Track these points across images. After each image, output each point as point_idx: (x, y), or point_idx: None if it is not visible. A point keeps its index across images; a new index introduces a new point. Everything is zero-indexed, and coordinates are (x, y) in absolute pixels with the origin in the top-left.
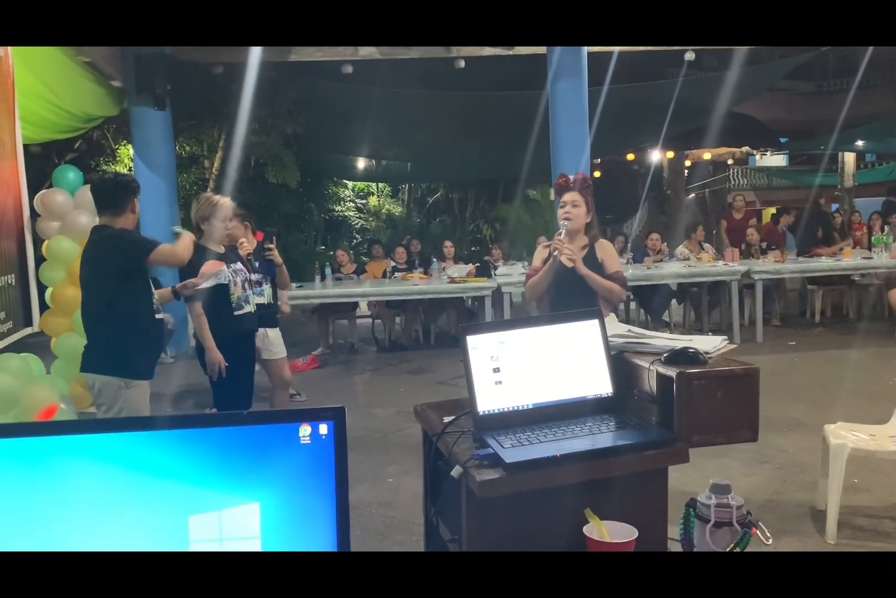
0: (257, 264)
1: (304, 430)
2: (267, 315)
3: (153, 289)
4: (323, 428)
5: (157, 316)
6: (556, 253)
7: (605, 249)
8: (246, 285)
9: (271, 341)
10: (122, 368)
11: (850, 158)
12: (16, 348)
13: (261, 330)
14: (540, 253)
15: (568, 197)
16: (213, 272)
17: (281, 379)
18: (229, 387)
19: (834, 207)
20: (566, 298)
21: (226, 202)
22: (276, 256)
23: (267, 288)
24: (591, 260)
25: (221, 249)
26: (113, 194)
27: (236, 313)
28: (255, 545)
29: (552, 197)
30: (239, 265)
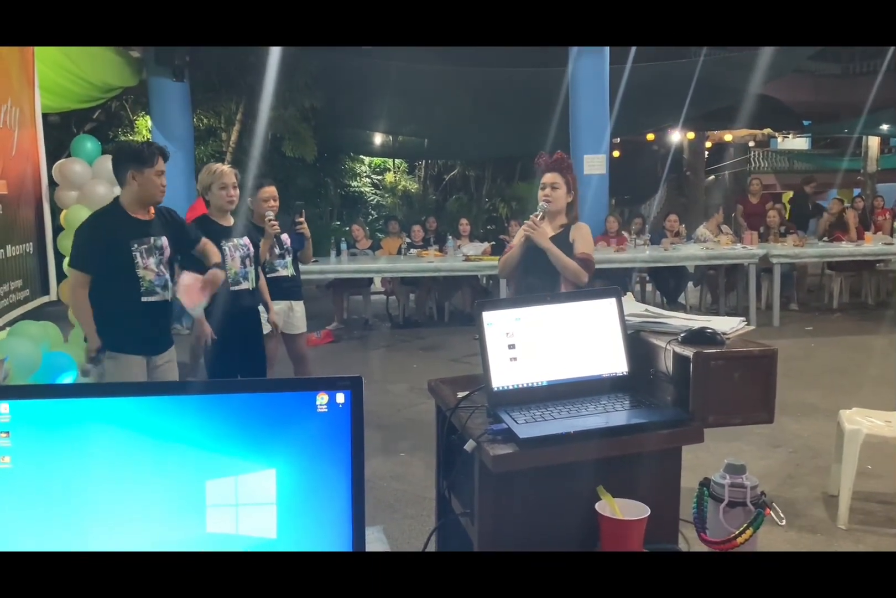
0: (287, 237)
1: (322, 398)
2: (294, 287)
3: (140, 270)
4: (340, 397)
5: (153, 298)
6: (529, 233)
7: (580, 231)
8: (246, 261)
9: (295, 314)
10: (102, 339)
11: (873, 142)
12: (34, 316)
13: (285, 303)
14: (520, 233)
15: (548, 178)
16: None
17: (299, 354)
18: (221, 363)
19: (856, 192)
20: (533, 277)
21: (225, 170)
22: (306, 230)
23: (289, 260)
24: (562, 239)
25: (229, 223)
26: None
27: (233, 288)
28: (270, 511)
29: None
30: (243, 240)
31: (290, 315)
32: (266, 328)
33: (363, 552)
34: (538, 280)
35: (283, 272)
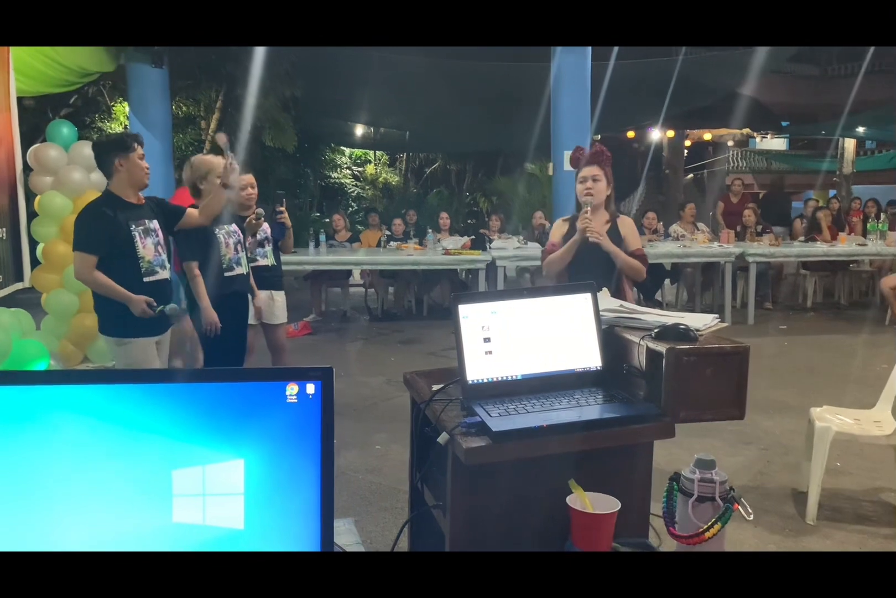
0: (266, 226)
1: (292, 389)
2: (274, 277)
3: (140, 249)
4: (310, 388)
5: (154, 278)
6: (588, 234)
7: (628, 226)
8: (238, 247)
9: (276, 304)
10: (109, 327)
11: (850, 144)
12: (6, 302)
13: (266, 292)
14: (559, 228)
15: (587, 171)
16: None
17: (277, 345)
18: (219, 348)
19: (831, 193)
20: (587, 275)
21: (218, 161)
22: (287, 219)
23: (269, 250)
24: (614, 236)
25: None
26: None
27: (227, 274)
28: (238, 502)
29: (551, 172)
30: (233, 227)
31: (270, 305)
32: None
33: (329, 553)
34: (596, 279)
35: (262, 262)
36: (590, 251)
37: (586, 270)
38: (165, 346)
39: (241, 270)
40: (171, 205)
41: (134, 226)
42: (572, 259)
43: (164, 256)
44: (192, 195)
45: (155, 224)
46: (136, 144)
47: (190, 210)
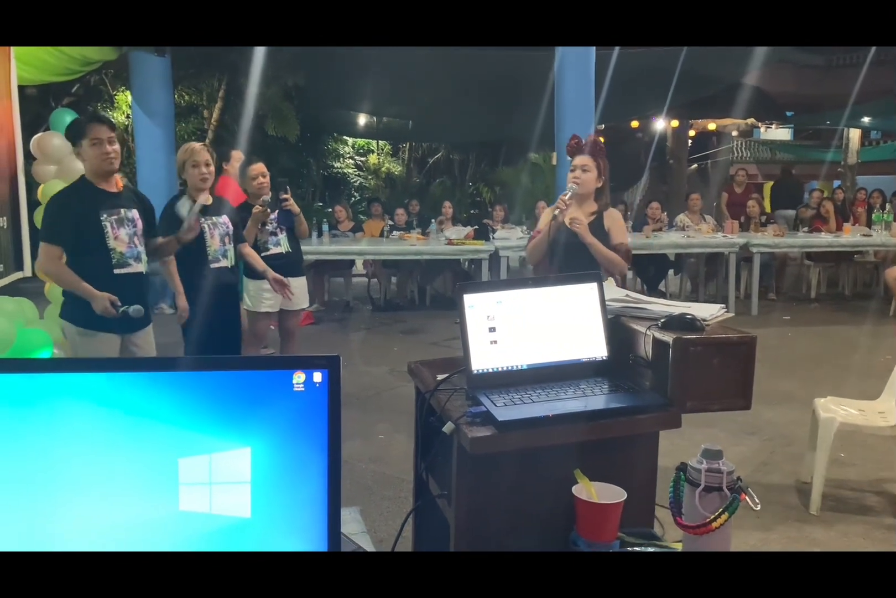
0: (275, 215)
1: (299, 377)
2: (288, 264)
3: (111, 240)
4: (317, 376)
5: (126, 270)
6: (556, 212)
7: (614, 219)
8: (225, 240)
9: (294, 290)
10: (76, 314)
11: (854, 134)
12: (9, 291)
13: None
14: (546, 215)
15: (579, 161)
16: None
17: (290, 331)
18: (206, 340)
19: (836, 183)
20: (566, 266)
21: (196, 147)
22: (294, 206)
23: (283, 237)
24: (598, 228)
25: (207, 201)
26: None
27: (213, 265)
28: (244, 490)
29: (554, 162)
30: (222, 218)
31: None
32: (266, 305)
33: (336, 553)
34: (576, 270)
35: (276, 250)
36: (571, 242)
37: (569, 260)
38: (146, 345)
39: (227, 262)
40: (153, 219)
41: (105, 215)
42: (556, 250)
43: (141, 248)
44: None
45: (134, 214)
46: (87, 129)
47: (160, 240)
